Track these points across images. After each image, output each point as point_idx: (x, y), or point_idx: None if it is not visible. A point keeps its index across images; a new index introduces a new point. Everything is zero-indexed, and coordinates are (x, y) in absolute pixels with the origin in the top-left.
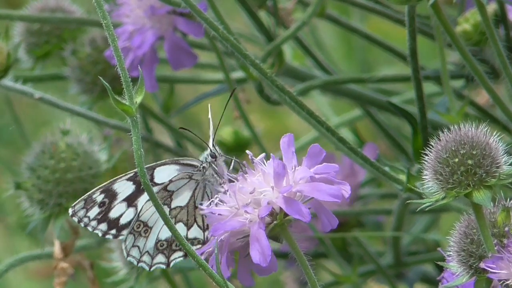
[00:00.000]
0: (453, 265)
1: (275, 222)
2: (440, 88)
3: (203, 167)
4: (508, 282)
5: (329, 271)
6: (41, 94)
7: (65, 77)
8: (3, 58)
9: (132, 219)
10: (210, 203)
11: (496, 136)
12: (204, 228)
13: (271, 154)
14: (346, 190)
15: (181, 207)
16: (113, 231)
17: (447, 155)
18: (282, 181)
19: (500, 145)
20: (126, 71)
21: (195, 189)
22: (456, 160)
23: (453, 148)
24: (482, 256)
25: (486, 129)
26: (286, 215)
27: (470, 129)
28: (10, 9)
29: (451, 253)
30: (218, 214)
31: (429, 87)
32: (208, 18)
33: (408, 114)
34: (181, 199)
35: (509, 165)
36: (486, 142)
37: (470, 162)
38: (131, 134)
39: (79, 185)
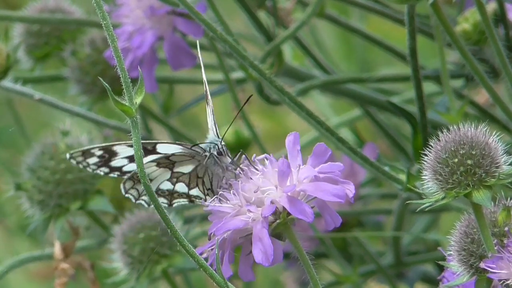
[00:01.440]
0: (454, 265)
1: (278, 221)
2: (440, 87)
3: (205, 155)
4: (508, 282)
5: (329, 271)
6: (41, 95)
7: (65, 78)
8: (3, 59)
9: (134, 170)
10: (213, 199)
11: (495, 135)
12: (205, 193)
13: (271, 154)
14: (350, 189)
15: (183, 173)
16: (117, 173)
17: (447, 155)
18: (286, 180)
19: (500, 144)
20: (126, 72)
21: (197, 166)
22: (456, 160)
23: (453, 148)
24: (482, 255)
25: (485, 128)
26: (289, 214)
27: (469, 129)
28: (9, 10)
29: (451, 252)
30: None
31: (429, 87)
32: (206, 19)
33: (408, 114)
34: (184, 168)
35: (508, 164)
36: (485, 142)
37: (469, 162)
38: (131, 134)
39: (79, 186)
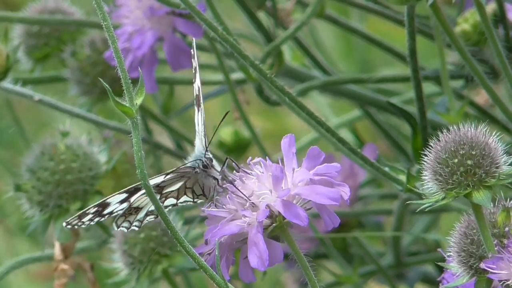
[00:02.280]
0: (454, 266)
1: (274, 224)
2: (439, 88)
3: (196, 172)
4: (508, 282)
5: (330, 272)
6: (41, 96)
7: (65, 78)
8: (3, 60)
9: (125, 208)
10: (209, 204)
11: (495, 136)
12: (194, 199)
13: (270, 154)
14: (345, 192)
15: (172, 191)
16: (106, 216)
17: (447, 155)
18: (280, 184)
19: (500, 145)
20: (126, 73)
21: (187, 180)
22: (456, 160)
23: (453, 149)
24: (482, 256)
25: (485, 129)
26: (285, 217)
27: (469, 129)
28: (9, 11)
29: (451, 253)
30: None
31: (428, 87)
32: (207, 19)
33: (408, 114)
34: (173, 187)
35: (508, 165)
36: (485, 142)
37: (469, 162)
38: (131, 135)
39: (79, 187)
